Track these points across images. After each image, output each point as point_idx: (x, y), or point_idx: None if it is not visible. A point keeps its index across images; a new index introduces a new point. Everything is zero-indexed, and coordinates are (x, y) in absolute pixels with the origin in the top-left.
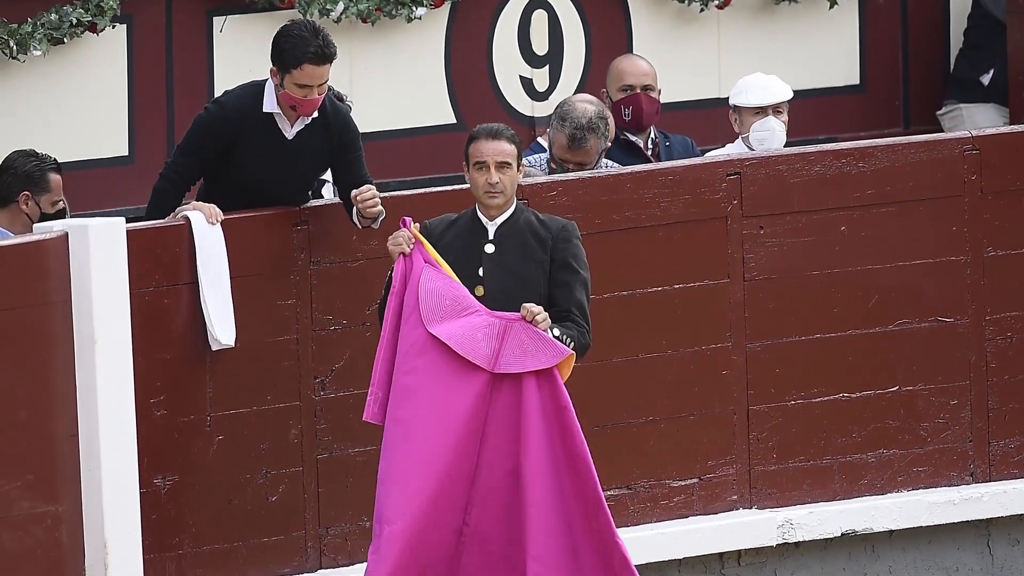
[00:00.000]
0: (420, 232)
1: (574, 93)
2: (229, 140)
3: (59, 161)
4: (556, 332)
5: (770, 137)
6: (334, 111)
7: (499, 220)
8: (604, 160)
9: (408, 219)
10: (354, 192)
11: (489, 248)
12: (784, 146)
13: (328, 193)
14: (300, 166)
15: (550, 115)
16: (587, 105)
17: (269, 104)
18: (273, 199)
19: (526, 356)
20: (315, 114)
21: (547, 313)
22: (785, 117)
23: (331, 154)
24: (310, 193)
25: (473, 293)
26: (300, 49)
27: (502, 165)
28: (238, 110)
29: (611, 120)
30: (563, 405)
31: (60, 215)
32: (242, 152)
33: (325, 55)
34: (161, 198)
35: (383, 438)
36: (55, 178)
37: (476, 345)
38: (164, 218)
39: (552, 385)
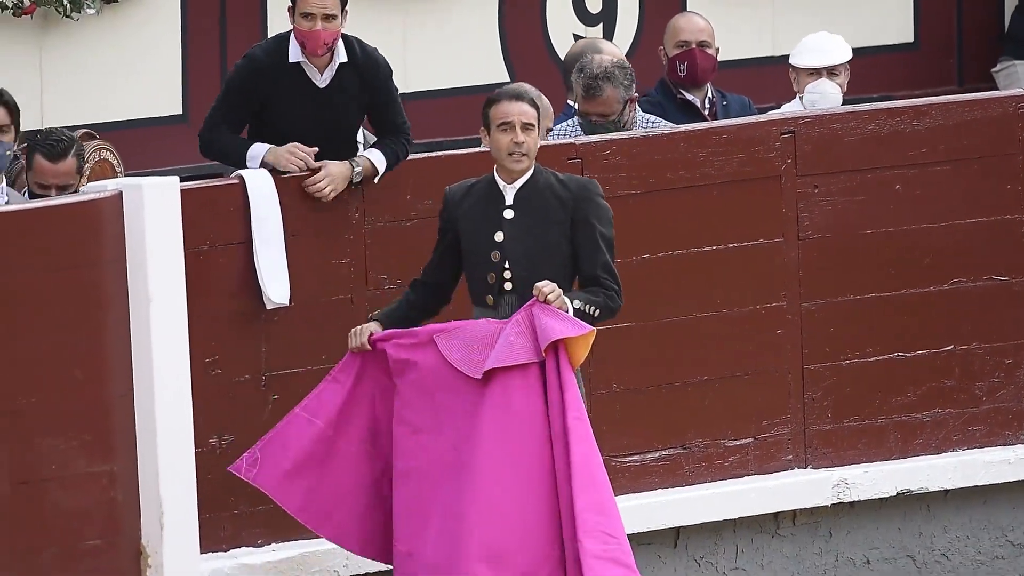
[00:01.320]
0: (443, 200)
1: (627, 51)
2: (264, 93)
3: (79, 144)
4: (577, 304)
5: (821, 99)
6: (363, 53)
7: (518, 184)
8: (648, 116)
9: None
10: (306, 182)
11: (508, 213)
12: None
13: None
14: (337, 114)
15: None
16: (603, 56)
17: (295, 53)
18: (317, 154)
19: (550, 331)
20: (344, 58)
21: (558, 288)
22: (842, 79)
23: (365, 99)
24: (359, 145)
25: (490, 259)
26: None
27: (527, 126)
28: (267, 62)
29: (631, 71)
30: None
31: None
32: (277, 106)
33: None
34: (221, 137)
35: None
36: (42, 162)
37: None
38: (242, 146)
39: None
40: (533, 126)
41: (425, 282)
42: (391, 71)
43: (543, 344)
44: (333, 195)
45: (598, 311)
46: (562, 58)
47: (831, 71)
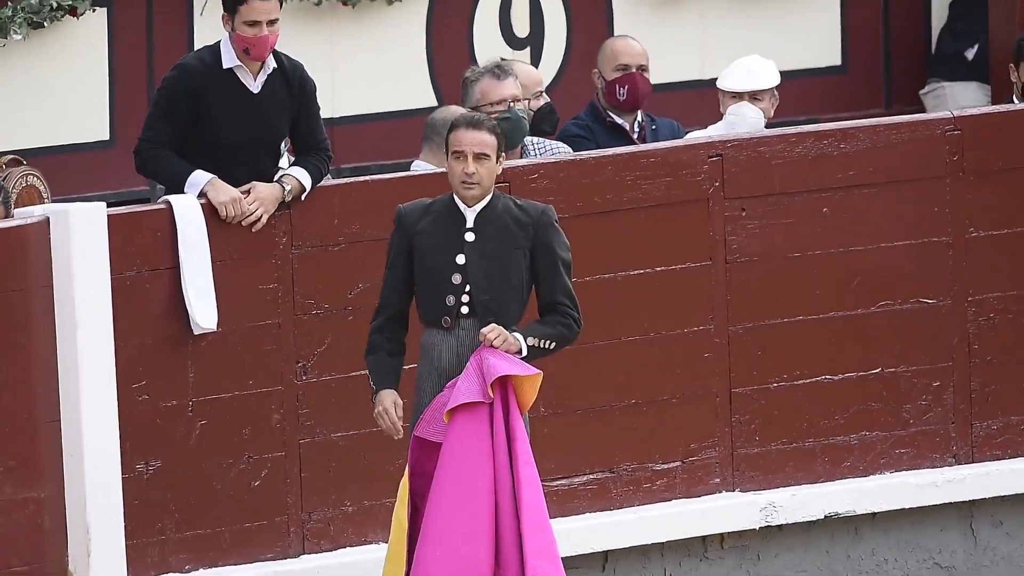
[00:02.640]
0: (395, 219)
1: (556, 75)
2: (199, 100)
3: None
4: (531, 341)
5: (739, 122)
6: (291, 63)
7: (478, 207)
8: (563, 147)
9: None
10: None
11: (469, 236)
12: (765, 127)
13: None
14: (269, 120)
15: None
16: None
17: (228, 59)
18: (245, 162)
19: (495, 369)
20: (274, 64)
21: (503, 331)
22: (766, 104)
23: (294, 108)
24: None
25: (450, 280)
26: None
27: (480, 156)
28: (200, 69)
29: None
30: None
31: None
32: (211, 112)
33: None
34: (165, 158)
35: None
36: None
37: (467, 390)
38: (183, 172)
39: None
40: (488, 156)
41: (391, 316)
42: (316, 87)
43: (488, 381)
44: (265, 218)
45: (553, 343)
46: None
47: (754, 95)
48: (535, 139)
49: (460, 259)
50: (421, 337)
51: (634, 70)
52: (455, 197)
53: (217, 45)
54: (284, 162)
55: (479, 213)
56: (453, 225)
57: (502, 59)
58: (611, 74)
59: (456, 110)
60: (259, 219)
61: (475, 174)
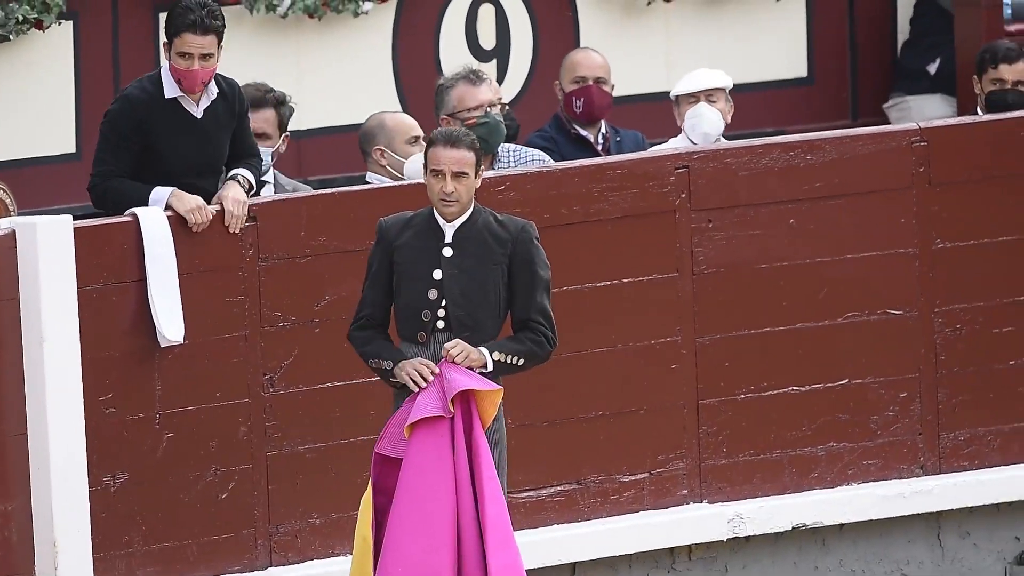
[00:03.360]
0: (377, 232)
1: (521, 87)
2: (144, 130)
3: None
4: (497, 356)
5: (699, 123)
6: (228, 84)
7: (457, 223)
8: (537, 153)
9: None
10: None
11: (447, 252)
12: (731, 139)
13: (268, 192)
14: (214, 144)
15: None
16: None
17: (170, 89)
18: (193, 185)
19: (455, 383)
20: (216, 89)
21: (465, 346)
22: (722, 105)
23: (233, 126)
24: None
25: (426, 296)
26: (181, 18)
27: (459, 174)
28: (143, 98)
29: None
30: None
31: None
32: (157, 141)
33: (206, 25)
34: (120, 185)
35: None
36: None
37: (427, 405)
38: (142, 192)
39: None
40: (467, 173)
41: (373, 326)
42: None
43: (448, 396)
44: (244, 217)
45: (521, 360)
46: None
47: (708, 96)
48: (510, 146)
49: (437, 274)
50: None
51: (591, 82)
52: (434, 212)
53: (158, 73)
54: (270, 176)
55: (458, 228)
56: (432, 239)
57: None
58: (569, 86)
59: (384, 117)
60: (243, 217)
61: (454, 192)
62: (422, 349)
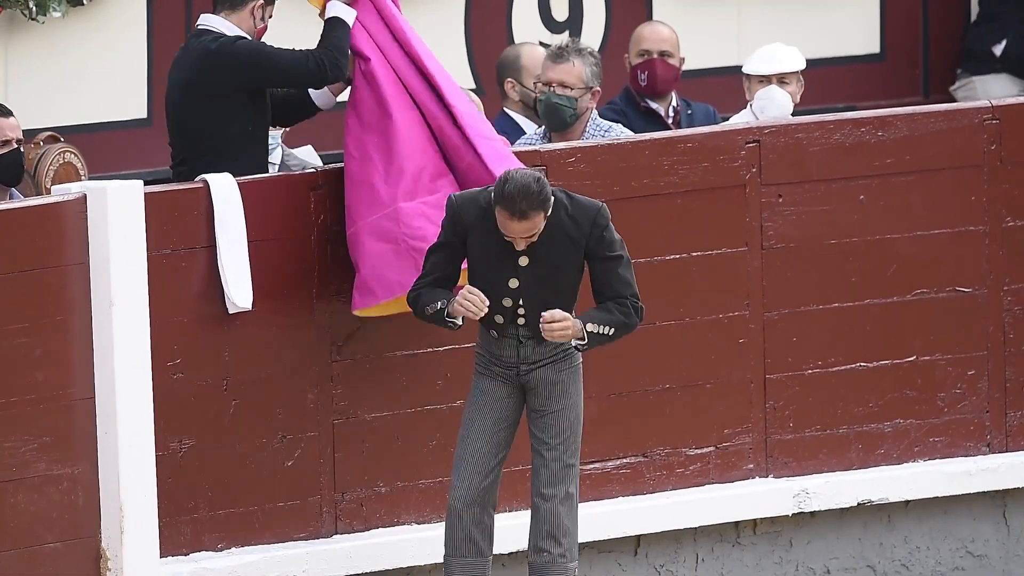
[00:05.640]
0: (447, 208)
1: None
2: None
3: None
4: (591, 328)
5: (769, 106)
6: None
7: None
8: (603, 123)
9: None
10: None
11: (523, 260)
12: (802, 114)
13: (276, 159)
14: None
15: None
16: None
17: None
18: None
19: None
20: None
21: (561, 313)
22: (793, 88)
23: None
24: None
25: (501, 303)
26: None
27: (529, 237)
28: None
29: (600, 62)
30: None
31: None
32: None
33: None
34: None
35: None
36: None
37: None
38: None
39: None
40: (536, 231)
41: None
42: None
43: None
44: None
45: (612, 329)
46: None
47: (781, 79)
48: (598, 120)
49: (513, 283)
50: (479, 331)
51: (655, 56)
52: None
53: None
54: (275, 157)
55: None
56: (506, 246)
57: (571, 40)
58: (635, 59)
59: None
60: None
61: (527, 244)
62: (496, 342)
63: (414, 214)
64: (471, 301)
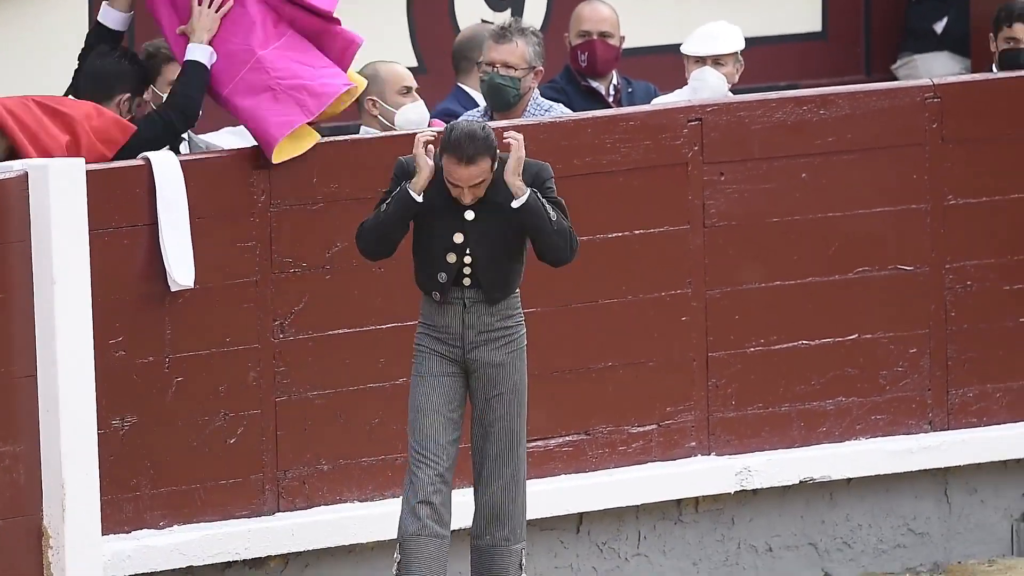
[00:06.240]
0: (396, 171)
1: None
2: None
3: None
4: (536, 199)
5: (702, 87)
6: None
7: None
8: (544, 102)
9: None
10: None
11: (469, 215)
12: (744, 93)
13: (184, 149)
14: None
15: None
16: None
17: None
18: None
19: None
20: None
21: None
22: (729, 69)
23: None
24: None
25: (445, 260)
26: None
27: (476, 185)
28: None
29: (542, 42)
30: None
31: None
32: None
33: None
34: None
35: None
36: None
37: None
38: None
39: None
40: (484, 180)
41: None
42: None
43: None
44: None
45: (554, 219)
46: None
47: (716, 60)
48: (539, 99)
49: (458, 238)
50: (421, 304)
51: (595, 37)
52: None
53: None
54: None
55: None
56: (451, 199)
57: (514, 20)
58: (575, 39)
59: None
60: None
61: (473, 199)
62: (437, 307)
63: (275, 58)
64: (419, 136)
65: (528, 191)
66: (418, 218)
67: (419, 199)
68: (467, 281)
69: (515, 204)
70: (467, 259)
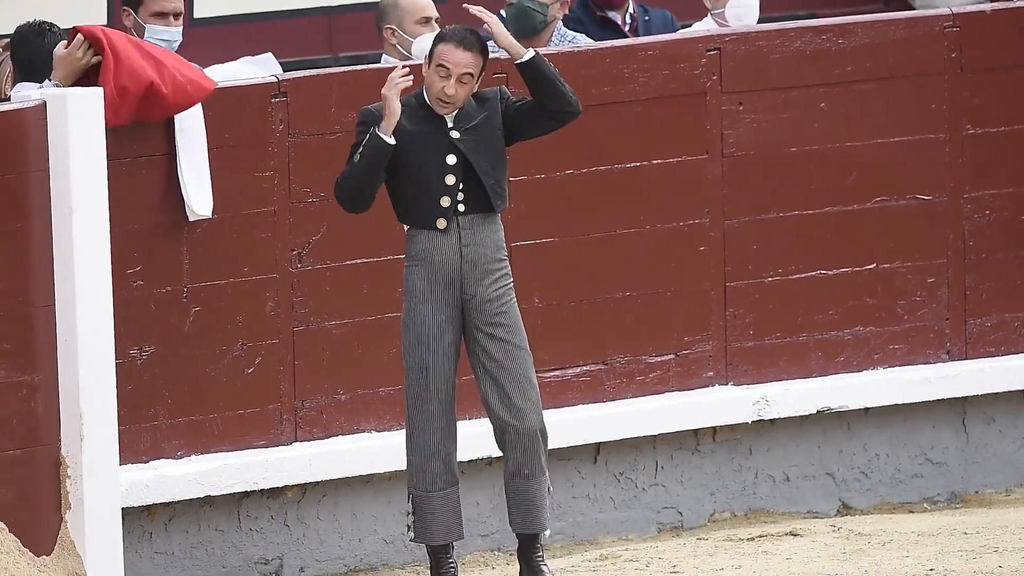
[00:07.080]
0: (362, 118)
1: None
2: None
3: None
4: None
5: (747, 13)
6: None
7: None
8: (567, 33)
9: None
10: None
11: (455, 134)
12: (763, 22)
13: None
14: None
15: None
16: None
17: None
18: None
19: None
20: None
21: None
22: None
23: None
24: None
25: (444, 182)
26: None
27: (464, 76)
28: None
29: None
30: None
31: None
32: None
33: None
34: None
35: None
36: None
37: None
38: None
39: None
40: (472, 75)
41: None
42: None
43: None
44: None
45: (557, 72)
46: None
47: None
48: (563, 29)
49: (451, 159)
50: (408, 247)
51: None
52: (427, 100)
53: None
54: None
55: (456, 113)
56: (435, 126)
57: None
58: None
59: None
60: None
61: (455, 95)
62: (443, 235)
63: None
64: (393, 76)
65: (531, 49)
66: (400, 158)
67: (391, 141)
68: (461, 208)
69: (525, 58)
70: (465, 178)
